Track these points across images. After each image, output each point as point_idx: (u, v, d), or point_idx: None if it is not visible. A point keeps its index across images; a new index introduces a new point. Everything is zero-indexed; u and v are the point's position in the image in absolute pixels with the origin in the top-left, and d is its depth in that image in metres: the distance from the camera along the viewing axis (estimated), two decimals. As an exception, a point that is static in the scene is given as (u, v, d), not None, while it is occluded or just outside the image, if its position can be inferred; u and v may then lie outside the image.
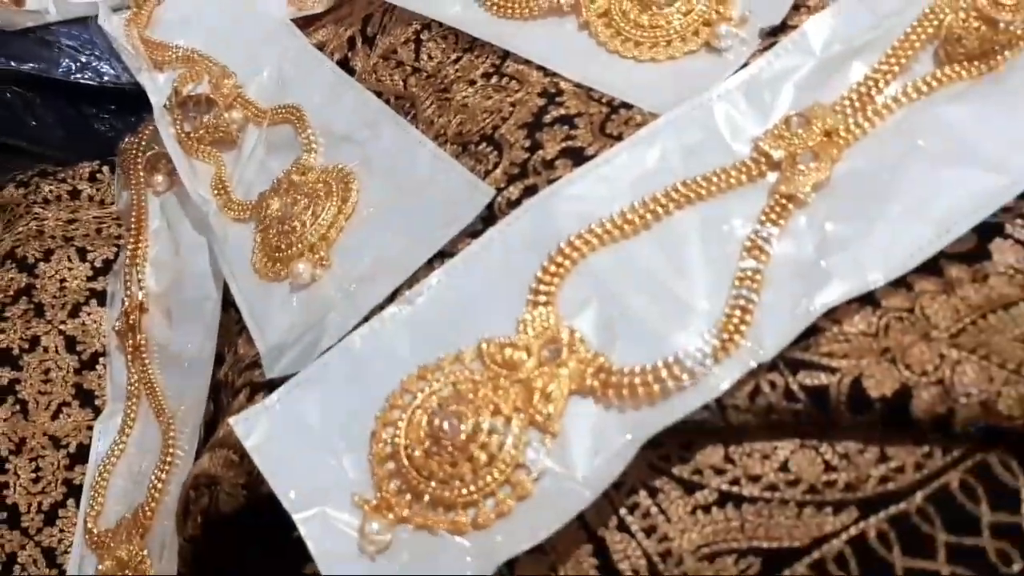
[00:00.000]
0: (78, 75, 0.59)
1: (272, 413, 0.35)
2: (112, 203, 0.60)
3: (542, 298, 0.35)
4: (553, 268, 0.35)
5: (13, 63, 0.58)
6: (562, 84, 0.42)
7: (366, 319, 0.38)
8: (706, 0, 0.42)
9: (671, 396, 0.30)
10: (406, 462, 0.32)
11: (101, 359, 0.54)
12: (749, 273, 0.33)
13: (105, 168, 0.61)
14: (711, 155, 0.37)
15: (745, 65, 0.39)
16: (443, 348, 0.35)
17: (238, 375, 0.42)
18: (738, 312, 0.32)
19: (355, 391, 0.35)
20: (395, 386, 0.35)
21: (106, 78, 0.60)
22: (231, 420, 0.35)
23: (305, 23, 0.58)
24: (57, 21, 0.60)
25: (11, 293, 0.55)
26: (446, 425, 0.32)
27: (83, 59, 0.60)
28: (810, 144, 0.36)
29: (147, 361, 0.52)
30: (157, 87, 0.58)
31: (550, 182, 0.38)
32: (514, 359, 0.33)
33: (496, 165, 0.40)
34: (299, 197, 0.46)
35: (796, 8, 0.40)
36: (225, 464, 0.37)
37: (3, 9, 0.57)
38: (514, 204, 0.38)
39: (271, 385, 0.39)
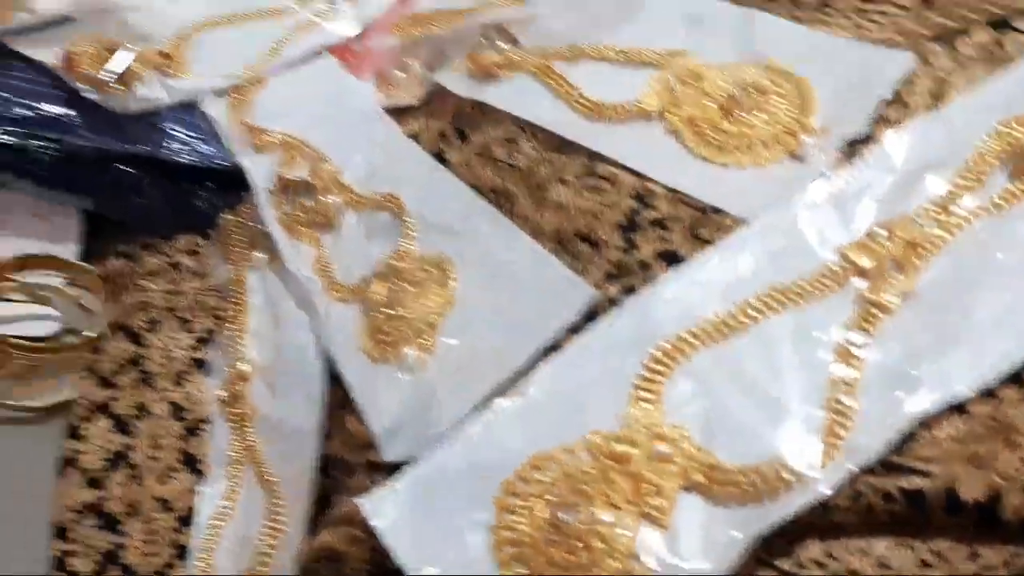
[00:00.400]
0: (183, 156, 0.63)
1: (398, 496, 0.38)
2: (210, 276, 0.64)
3: (647, 395, 0.38)
4: (656, 367, 0.38)
5: (125, 144, 0.62)
6: (652, 186, 0.45)
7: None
8: (788, 110, 0.45)
9: (779, 496, 0.33)
10: (528, 549, 0.35)
11: (203, 425, 0.58)
12: (844, 379, 0.36)
13: (203, 242, 0.65)
14: (799, 262, 0.40)
15: (827, 174, 0.43)
16: (553, 439, 0.38)
17: (352, 452, 0.45)
18: (837, 417, 0.35)
19: (473, 478, 0.38)
20: (509, 474, 0.38)
21: (206, 160, 0.64)
22: (358, 500, 0.39)
23: (396, 113, 0.62)
24: (165, 106, 0.64)
25: (121, 362, 0.59)
26: (564, 515, 0.35)
27: (188, 141, 0.64)
28: (895, 254, 0.39)
29: (250, 430, 0.56)
30: (257, 170, 0.62)
31: (647, 282, 0.41)
32: (623, 453, 0.36)
33: (593, 263, 0.43)
34: (403, 284, 0.50)
35: (875, 120, 0.44)
36: (348, 540, 0.40)
37: (117, 95, 0.62)
38: (613, 302, 0.41)
39: (389, 466, 0.42)
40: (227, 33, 0.69)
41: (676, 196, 0.44)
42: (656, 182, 0.45)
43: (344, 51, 0.70)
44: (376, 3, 0.71)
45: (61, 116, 0.61)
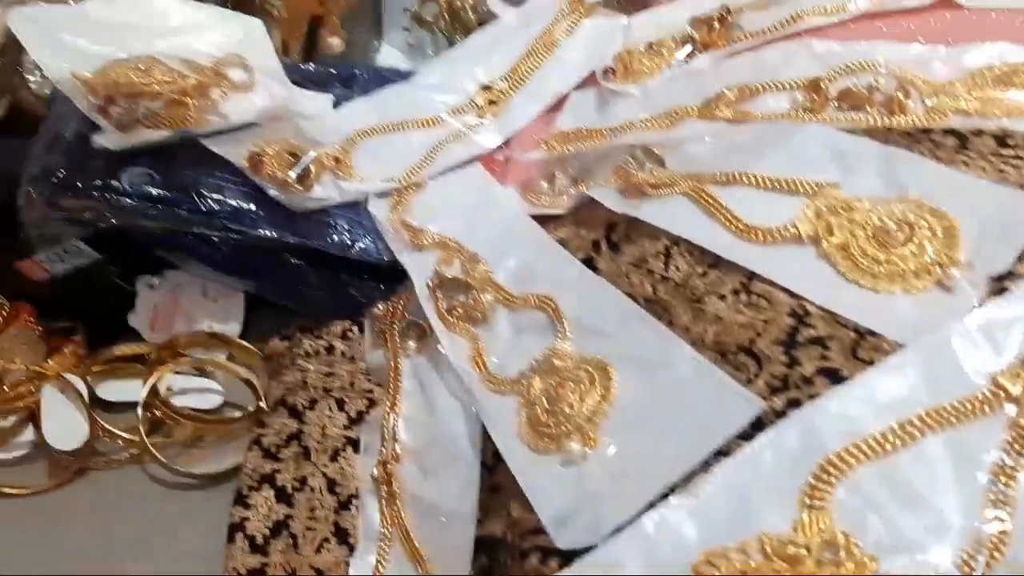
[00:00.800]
0: (347, 250, 0.69)
1: (580, 582, 0.42)
2: (361, 359, 0.69)
3: (816, 503, 0.41)
4: (824, 477, 0.42)
5: (298, 238, 0.69)
6: (808, 306, 0.49)
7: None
8: (936, 244, 0.49)
9: (946, 602, 0.36)
10: (709, 638, 0.39)
11: (354, 501, 0.62)
12: (1002, 498, 0.39)
13: (355, 328, 0.71)
14: (954, 386, 0.44)
15: (977, 304, 0.46)
16: (726, 537, 0.42)
17: (521, 537, 0.49)
18: (997, 534, 0.38)
19: (650, 569, 0.42)
20: (685, 568, 0.41)
21: (366, 254, 0.70)
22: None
23: (543, 221, 0.68)
24: (335, 204, 0.71)
25: (284, 436, 0.64)
26: (743, 609, 0.39)
27: (353, 237, 0.70)
28: (1045, 387, 0.42)
29: (400, 508, 0.60)
30: (417, 267, 0.67)
31: (810, 397, 0.45)
32: (795, 555, 0.40)
33: (757, 376, 0.47)
34: (562, 381, 0.54)
35: (1019, 258, 0.47)
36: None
37: (296, 193, 0.68)
38: (779, 414, 0.45)
39: (560, 551, 0.46)
40: (387, 140, 0.76)
41: (832, 317, 0.48)
42: (811, 303, 0.49)
43: (490, 160, 0.76)
44: (518, 119, 0.77)
45: (244, 210, 0.68)
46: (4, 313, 0.63)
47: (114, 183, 0.65)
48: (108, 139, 0.65)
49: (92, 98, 0.66)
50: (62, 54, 0.68)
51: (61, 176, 0.64)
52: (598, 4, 0.82)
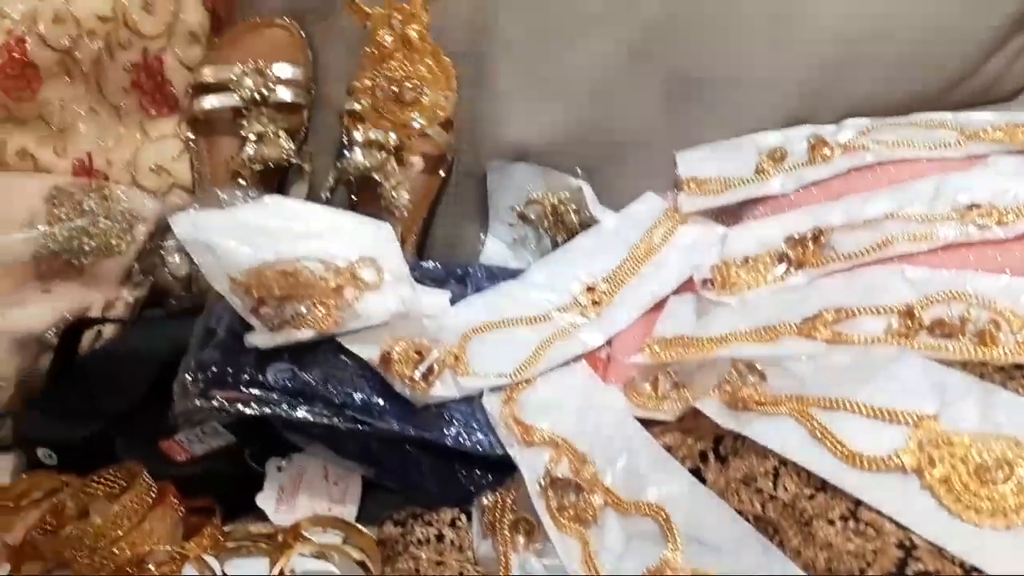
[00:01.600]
0: (461, 443, 0.74)
1: None
2: (469, 549, 0.73)
3: None
4: None
5: (418, 430, 0.74)
6: (915, 539, 0.52)
7: None
8: (1033, 480, 0.52)
9: None
10: None
11: None
12: None
13: (463, 516, 0.75)
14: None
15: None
16: None
17: None
18: None
19: None
20: None
21: (479, 447, 0.75)
22: None
23: (649, 424, 0.72)
24: (452, 399, 0.76)
25: (411, 627, 0.68)
26: None
27: (467, 430, 0.75)
28: None
29: None
30: (528, 463, 0.72)
31: (924, 634, 0.48)
32: None
33: (870, 607, 0.50)
34: (677, 594, 0.57)
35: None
36: None
37: (420, 390, 0.74)
38: (893, 649, 0.48)
39: None
40: (499, 336, 0.82)
41: (939, 551, 0.51)
42: (918, 535, 0.52)
43: (594, 358, 0.81)
44: (620, 320, 0.83)
45: (372, 403, 0.73)
46: (153, 495, 0.69)
47: (260, 378, 0.71)
48: (259, 338, 0.73)
49: (246, 299, 0.73)
50: (217, 257, 0.76)
51: (215, 371, 0.71)
52: (694, 213, 0.88)
